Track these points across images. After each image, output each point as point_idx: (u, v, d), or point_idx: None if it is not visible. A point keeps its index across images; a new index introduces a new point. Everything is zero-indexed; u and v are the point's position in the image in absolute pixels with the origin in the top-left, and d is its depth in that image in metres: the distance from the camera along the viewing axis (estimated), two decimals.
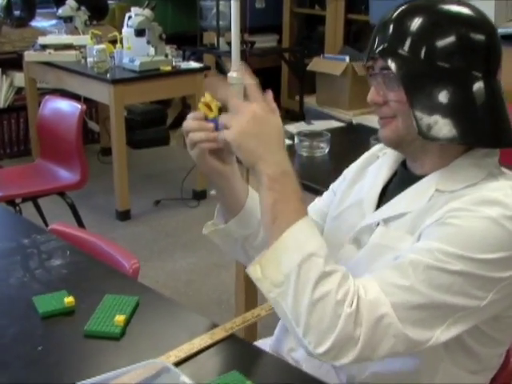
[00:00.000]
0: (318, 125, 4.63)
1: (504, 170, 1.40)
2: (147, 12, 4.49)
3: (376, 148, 1.66)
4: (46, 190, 3.73)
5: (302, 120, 3.98)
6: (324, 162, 2.75)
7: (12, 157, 5.78)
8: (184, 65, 4.83)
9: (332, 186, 1.70)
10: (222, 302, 3.57)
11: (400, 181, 1.48)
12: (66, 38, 5.10)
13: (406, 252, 1.28)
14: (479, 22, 1.36)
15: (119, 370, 1.20)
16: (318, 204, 1.70)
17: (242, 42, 5.29)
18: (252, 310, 1.59)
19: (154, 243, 4.28)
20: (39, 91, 5.43)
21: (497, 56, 1.37)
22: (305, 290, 1.20)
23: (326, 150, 2.77)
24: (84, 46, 4.86)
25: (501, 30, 3.34)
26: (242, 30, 5.09)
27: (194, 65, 4.91)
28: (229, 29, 5.09)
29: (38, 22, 5.96)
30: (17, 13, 5.83)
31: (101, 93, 4.57)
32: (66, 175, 3.77)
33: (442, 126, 1.30)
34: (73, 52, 4.89)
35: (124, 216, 4.61)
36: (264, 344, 1.65)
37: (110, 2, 6.42)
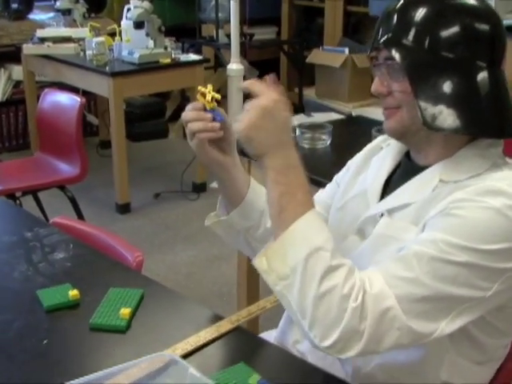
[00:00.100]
0: (318, 117, 4.63)
1: (508, 160, 1.40)
2: (146, 4, 4.48)
3: (379, 139, 1.65)
4: (47, 183, 3.72)
5: (301, 112, 3.97)
6: (326, 153, 2.74)
7: (11, 150, 5.77)
8: (183, 57, 4.82)
9: (336, 178, 1.70)
10: (224, 295, 3.57)
11: (404, 171, 1.48)
12: (64, 31, 5.08)
13: (410, 243, 1.27)
14: (484, 11, 1.35)
15: (127, 363, 1.20)
16: (321, 195, 1.70)
17: (241, 34, 5.28)
18: (257, 302, 1.59)
19: (155, 236, 4.28)
20: (37, 84, 5.42)
21: (501, 46, 1.36)
22: (311, 284, 1.20)
23: (328, 142, 2.76)
24: (83, 39, 4.84)
25: None
26: (242, 22, 5.08)
27: (193, 57, 4.90)
28: (228, 21, 5.07)
29: (36, 15, 5.93)
30: (14, 6, 5.80)
31: (100, 86, 4.56)
32: (65, 168, 3.76)
33: (447, 116, 1.30)
34: (71, 45, 4.88)
35: (124, 209, 4.61)
36: (268, 336, 1.65)
37: None
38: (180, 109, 6.16)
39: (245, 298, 2.98)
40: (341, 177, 1.67)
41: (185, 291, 3.55)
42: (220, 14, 5.68)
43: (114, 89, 4.37)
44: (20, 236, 1.94)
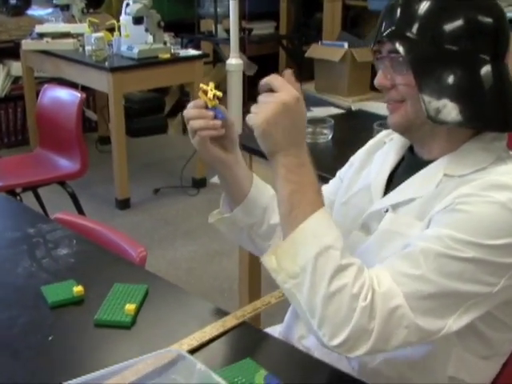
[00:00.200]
0: (318, 111, 4.62)
1: None
2: None
3: (382, 134, 1.65)
4: (47, 179, 3.71)
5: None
6: (327, 148, 2.74)
7: (9, 146, 5.76)
8: (183, 52, 4.81)
9: (339, 173, 1.69)
10: (225, 290, 3.56)
11: (408, 166, 1.47)
12: (63, 27, 5.06)
13: (415, 240, 1.27)
14: (487, 5, 1.35)
15: (135, 359, 1.20)
16: (324, 192, 1.69)
17: (240, 29, 5.27)
18: (262, 298, 1.59)
19: (154, 232, 4.28)
20: (36, 80, 5.41)
21: (505, 39, 1.36)
22: (321, 283, 1.20)
23: (330, 137, 2.76)
24: (82, 35, 4.82)
25: None
26: (240, 17, 5.07)
27: (192, 52, 4.89)
28: (226, 16, 5.07)
29: (34, 11, 5.92)
30: (13, 1, 5.79)
31: (99, 81, 4.55)
32: (66, 164, 3.76)
33: (451, 110, 1.30)
34: (70, 40, 4.86)
35: (124, 205, 4.61)
36: (273, 331, 1.65)
37: None
38: (179, 104, 6.16)
39: (246, 293, 2.98)
40: (344, 172, 1.67)
41: (186, 287, 3.50)
42: (219, 9, 5.67)
43: (114, 84, 4.36)
44: (23, 232, 1.93)
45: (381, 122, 2.55)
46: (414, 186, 1.39)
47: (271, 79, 1.28)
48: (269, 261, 1.26)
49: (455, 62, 1.30)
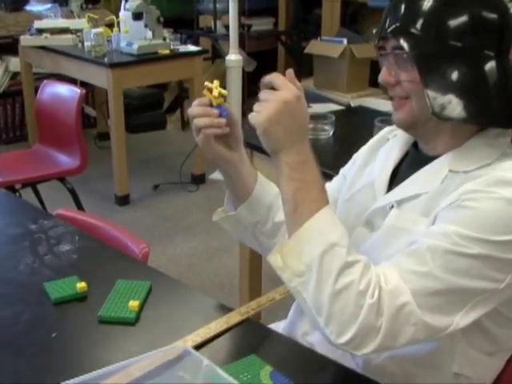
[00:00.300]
0: (317, 108, 4.61)
1: None
2: None
3: (385, 130, 1.65)
4: (46, 175, 3.71)
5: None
6: (328, 144, 2.74)
7: (8, 142, 5.74)
8: (182, 48, 4.80)
9: (342, 171, 1.69)
10: (225, 286, 3.56)
11: (412, 162, 1.47)
12: (62, 22, 5.06)
13: (421, 236, 1.27)
14: (492, 0, 1.35)
15: (140, 355, 1.19)
16: (328, 189, 1.69)
17: (240, 25, 5.26)
18: (266, 294, 1.58)
19: (154, 228, 4.27)
20: (35, 76, 5.39)
21: (509, 35, 1.36)
22: (327, 281, 1.20)
23: (331, 133, 2.75)
24: (80, 30, 4.82)
25: None
26: (240, 13, 5.05)
27: (192, 48, 4.89)
28: (226, 12, 5.05)
29: (33, 6, 5.90)
30: None
31: (99, 77, 4.54)
32: (65, 160, 3.75)
33: (456, 106, 1.29)
34: (69, 36, 4.85)
35: (123, 201, 4.60)
36: (277, 327, 1.65)
37: None
38: (178, 100, 6.15)
39: (247, 289, 2.98)
40: (347, 170, 1.66)
41: (186, 283, 3.52)
42: (218, 5, 5.66)
43: (113, 80, 4.35)
44: (25, 228, 1.93)
45: (382, 118, 2.55)
46: (418, 181, 1.39)
47: (273, 77, 1.28)
48: (274, 259, 1.26)
49: (460, 58, 1.30)
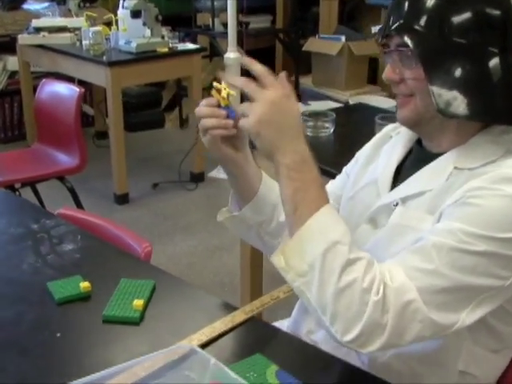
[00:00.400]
0: (316, 105, 4.62)
1: None
2: None
3: (388, 128, 1.64)
4: (46, 174, 3.70)
5: (298, 101, 3.96)
6: (329, 142, 2.74)
7: (6, 142, 5.74)
8: (181, 46, 4.80)
9: (345, 169, 1.69)
10: (225, 285, 3.56)
11: (416, 159, 1.47)
12: (60, 21, 5.05)
13: (427, 234, 1.27)
14: None
15: (147, 355, 1.19)
16: (331, 187, 1.69)
17: (238, 22, 5.25)
18: (271, 293, 1.58)
19: (154, 227, 4.26)
20: (33, 75, 5.39)
21: None
22: (330, 279, 1.19)
23: (331, 130, 2.75)
24: (78, 29, 4.81)
25: None
26: (238, 11, 5.04)
27: (190, 46, 4.88)
28: (224, 9, 5.04)
29: (30, 5, 5.89)
30: None
31: (97, 75, 4.53)
32: (65, 159, 3.74)
33: (461, 103, 1.29)
34: (67, 34, 4.84)
35: (122, 200, 4.60)
36: (280, 326, 1.64)
37: None
38: (176, 98, 6.14)
39: (248, 287, 2.98)
40: (350, 168, 1.66)
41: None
42: (216, 3, 5.65)
43: (112, 78, 4.34)
44: (27, 227, 1.92)
45: (383, 115, 2.55)
46: (423, 178, 1.38)
47: (263, 75, 1.28)
48: (277, 260, 1.26)
49: (464, 54, 1.30)
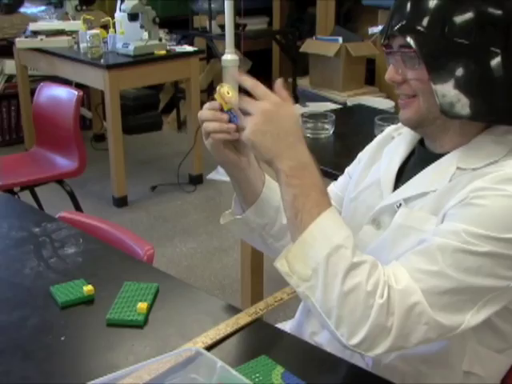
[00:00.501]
0: (314, 107, 4.62)
1: None
2: None
3: (390, 129, 1.65)
4: (45, 177, 3.70)
5: (295, 102, 3.96)
6: (329, 143, 2.73)
7: (4, 145, 5.73)
8: (178, 49, 4.79)
9: (347, 170, 1.69)
10: (226, 287, 3.56)
11: (418, 160, 1.47)
12: (57, 24, 5.04)
13: (431, 235, 1.27)
14: None
15: (152, 359, 1.18)
16: (333, 189, 1.69)
17: (235, 24, 5.25)
18: (274, 294, 1.57)
19: (153, 229, 4.26)
20: (30, 78, 5.38)
21: None
22: (334, 283, 1.19)
23: (331, 131, 2.75)
24: (76, 32, 4.80)
25: None
26: (235, 13, 5.05)
27: (188, 48, 4.87)
28: (221, 11, 5.05)
29: (27, 8, 5.88)
30: None
31: (95, 78, 4.53)
32: (64, 162, 3.74)
33: (464, 103, 1.29)
34: (65, 38, 4.84)
35: (121, 202, 4.59)
36: (284, 327, 1.64)
37: None
38: (173, 101, 6.13)
39: (249, 289, 2.97)
40: (352, 169, 1.66)
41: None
42: (213, 5, 5.65)
43: (110, 81, 4.34)
44: (28, 231, 1.91)
45: (382, 116, 2.55)
46: (426, 179, 1.39)
47: (254, 88, 1.29)
48: (281, 265, 1.26)
49: (466, 55, 1.30)
